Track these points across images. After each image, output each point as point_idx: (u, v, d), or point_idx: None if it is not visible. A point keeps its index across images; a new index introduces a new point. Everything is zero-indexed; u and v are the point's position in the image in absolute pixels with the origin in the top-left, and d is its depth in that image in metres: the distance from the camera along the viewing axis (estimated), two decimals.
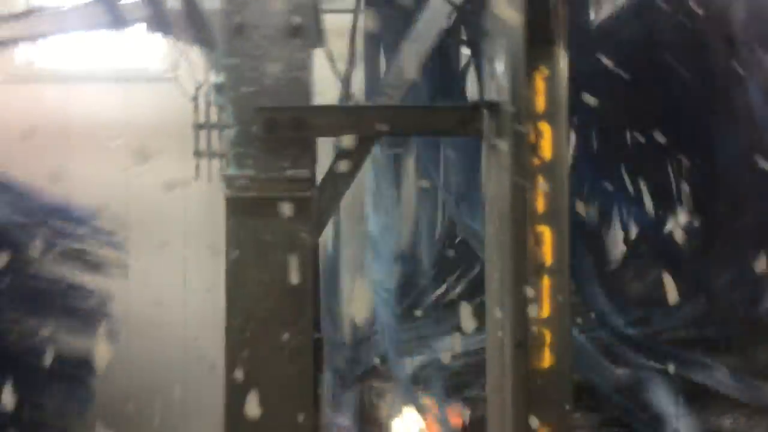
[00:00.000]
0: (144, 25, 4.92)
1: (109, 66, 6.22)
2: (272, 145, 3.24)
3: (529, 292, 2.97)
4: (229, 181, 3.26)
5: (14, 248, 5.23)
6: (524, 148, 3.14)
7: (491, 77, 3.36)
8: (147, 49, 5.63)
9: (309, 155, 3.29)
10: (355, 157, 3.30)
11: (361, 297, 3.53)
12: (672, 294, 3.57)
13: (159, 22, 4.57)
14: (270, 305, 3.17)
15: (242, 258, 3.21)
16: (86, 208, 5.76)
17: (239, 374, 3.09)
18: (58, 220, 5.70)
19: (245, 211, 3.25)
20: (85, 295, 5.59)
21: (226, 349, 3.15)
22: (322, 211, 3.33)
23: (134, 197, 5.86)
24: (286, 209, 3.20)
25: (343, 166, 3.31)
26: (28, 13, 5.26)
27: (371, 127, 3.27)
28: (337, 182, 3.35)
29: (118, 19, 4.88)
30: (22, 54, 6.46)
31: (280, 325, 3.13)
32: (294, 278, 3.15)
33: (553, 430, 2.95)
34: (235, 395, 3.10)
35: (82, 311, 5.57)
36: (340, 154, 3.33)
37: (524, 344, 2.92)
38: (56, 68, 6.40)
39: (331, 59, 3.62)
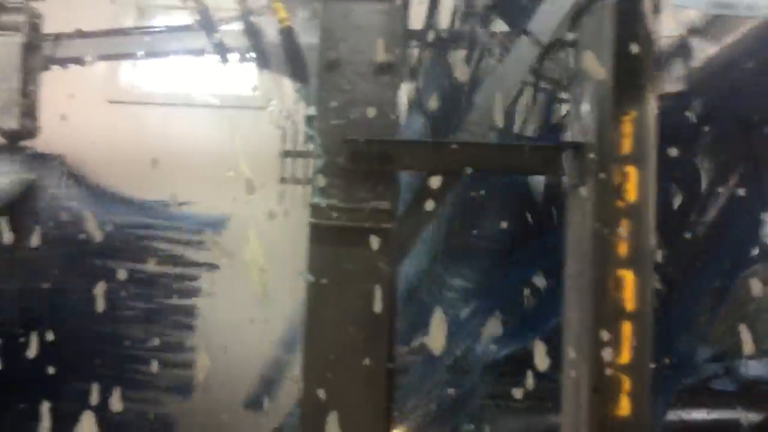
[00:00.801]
0: (240, 55, 5.18)
1: (205, 91, 6.54)
2: (357, 176, 3.34)
3: (608, 336, 2.92)
4: (314, 208, 3.38)
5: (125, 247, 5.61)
6: (608, 190, 3.11)
7: (577, 118, 3.36)
8: (242, 78, 5.89)
9: (392, 188, 3.36)
10: (438, 193, 3.36)
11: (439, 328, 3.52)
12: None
13: (257, 53, 4.79)
14: (347, 331, 3.24)
15: (322, 283, 3.31)
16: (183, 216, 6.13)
17: (316, 396, 3.17)
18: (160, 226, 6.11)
19: (327, 238, 3.35)
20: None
21: (304, 372, 3.23)
22: (402, 243, 3.40)
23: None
24: (367, 239, 3.28)
25: (426, 201, 3.37)
26: (129, 31, 5.61)
27: (455, 164, 3.32)
28: (419, 216, 3.41)
29: (216, 47, 5.14)
30: (126, 76, 6.92)
31: (356, 352, 3.19)
32: (372, 307, 3.22)
33: None
34: (311, 416, 3.18)
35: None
36: (424, 188, 3.39)
37: (601, 390, 2.87)
38: (156, 91, 6.79)
39: (418, 95, 3.70)
